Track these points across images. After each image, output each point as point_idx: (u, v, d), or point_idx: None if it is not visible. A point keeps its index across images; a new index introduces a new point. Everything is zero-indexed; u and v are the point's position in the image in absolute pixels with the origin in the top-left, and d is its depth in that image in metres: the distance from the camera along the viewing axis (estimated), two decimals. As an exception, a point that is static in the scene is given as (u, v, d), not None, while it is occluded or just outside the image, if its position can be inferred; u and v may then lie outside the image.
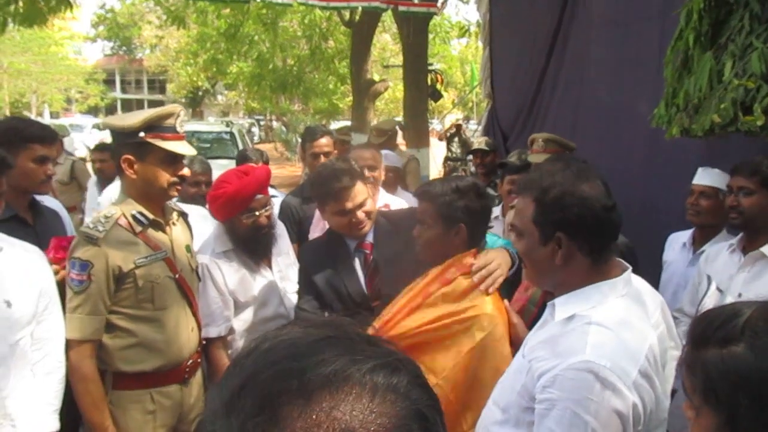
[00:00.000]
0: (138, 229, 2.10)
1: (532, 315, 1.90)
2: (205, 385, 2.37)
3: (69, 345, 2.04)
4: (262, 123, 30.11)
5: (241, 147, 10.53)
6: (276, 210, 3.04)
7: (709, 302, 2.36)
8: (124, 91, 45.07)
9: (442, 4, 10.77)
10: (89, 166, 5.71)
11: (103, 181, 4.44)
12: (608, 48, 4.10)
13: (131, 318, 2.09)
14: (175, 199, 2.38)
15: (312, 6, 9.06)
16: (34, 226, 2.50)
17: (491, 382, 1.56)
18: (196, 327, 2.28)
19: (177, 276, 2.19)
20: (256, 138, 24.25)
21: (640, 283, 1.52)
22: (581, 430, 1.22)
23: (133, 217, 2.10)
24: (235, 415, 0.54)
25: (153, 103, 39.39)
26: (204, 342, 2.40)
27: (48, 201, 2.79)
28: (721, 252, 2.50)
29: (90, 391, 2.02)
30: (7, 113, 24.93)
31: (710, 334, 0.96)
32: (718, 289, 2.39)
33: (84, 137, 20.68)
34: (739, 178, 2.39)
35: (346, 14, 11.50)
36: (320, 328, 0.61)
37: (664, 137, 2.66)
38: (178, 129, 2.11)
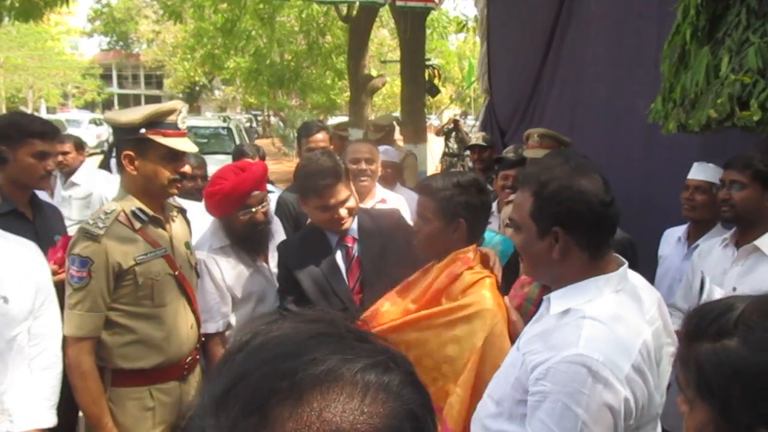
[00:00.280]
0: (137, 225, 2.09)
1: (529, 313, 1.90)
2: (203, 382, 2.38)
3: (68, 342, 2.03)
4: (259, 118, 30.06)
5: (238, 142, 10.53)
6: (273, 206, 3.04)
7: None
8: (120, 86, 44.90)
9: (440, -1, 10.75)
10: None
11: (67, 174, 4.28)
12: (605, 43, 4.11)
13: (130, 315, 2.08)
14: (172, 195, 2.37)
15: (309, 1, 9.04)
16: (33, 222, 2.50)
17: (491, 378, 1.56)
18: (196, 324, 2.28)
19: (177, 273, 2.18)
20: (255, 135, 24.17)
21: (636, 278, 1.53)
22: (572, 423, 1.23)
23: (133, 213, 2.09)
24: (225, 415, 0.53)
25: (150, 98, 39.28)
26: (203, 338, 2.40)
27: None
28: (715, 247, 2.51)
29: (89, 388, 2.02)
30: (4, 109, 24.85)
31: (704, 328, 0.96)
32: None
33: (81, 132, 20.62)
34: (731, 171, 2.40)
35: (344, 9, 11.47)
36: (311, 324, 0.61)
37: (661, 132, 2.67)
38: (180, 126, 2.10)
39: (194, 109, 36.59)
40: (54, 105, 32.47)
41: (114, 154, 2.13)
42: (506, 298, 1.91)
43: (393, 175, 3.78)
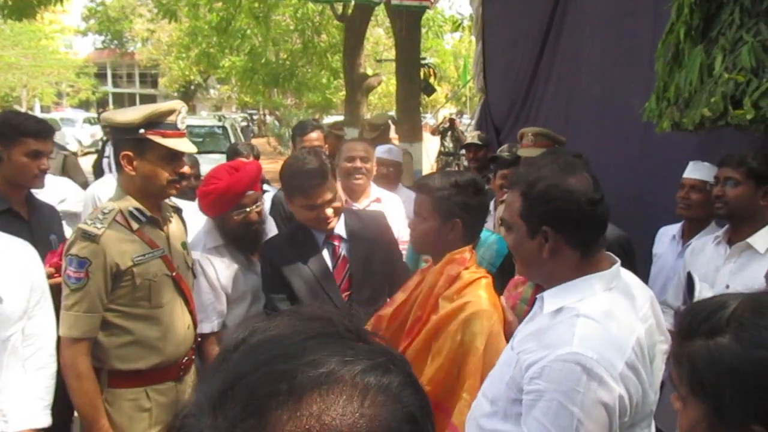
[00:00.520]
0: (135, 226, 2.08)
1: (524, 313, 1.90)
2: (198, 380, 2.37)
3: (64, 343, 2.02)
4: (255, 117, 29.99)
5: (233, 141, 10.50)
6: (267, 205, 3.03)
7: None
8: (115, 85, 44.72)
9: (435, -3, 10.74)
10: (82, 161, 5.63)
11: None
12: (600, 42, 4.11)
13: (127, 316, 2.07)
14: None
15: (304, -1, 9.03)
16: (29, 221, 2.48)
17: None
18: (192, 324, 2.27)
19: (174, 274, 2.17)
20: (251, 134, 24.13)
21: (629, 276, 1.53)
22: (567, 421, 1.23)
23: (131, 213, 2.08)
24: (222, 416, 0.52)
25: (145, 97, 39.18)
26: (198, 338, 2.40)
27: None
28: (707, 244, 2.52)
29: (85, 390, 2.01)
30: (-2, 108, 24.72)
31: (697, 326, 0.97)
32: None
33: (75, 131, 20.53)
34: (726, 168, 2.41)
35: (339, 8, 11.46)
36: (309, 322, 0.60)
37: (655, 131, 2.68)
38: (179, 126, 2.09)
39: (189, 108, 36.32)
40: (48, 104, 32.30)
41: (107, 154, 2.12)
42: (502, 298, 1.91)
43: (395, 175, 3.76)
